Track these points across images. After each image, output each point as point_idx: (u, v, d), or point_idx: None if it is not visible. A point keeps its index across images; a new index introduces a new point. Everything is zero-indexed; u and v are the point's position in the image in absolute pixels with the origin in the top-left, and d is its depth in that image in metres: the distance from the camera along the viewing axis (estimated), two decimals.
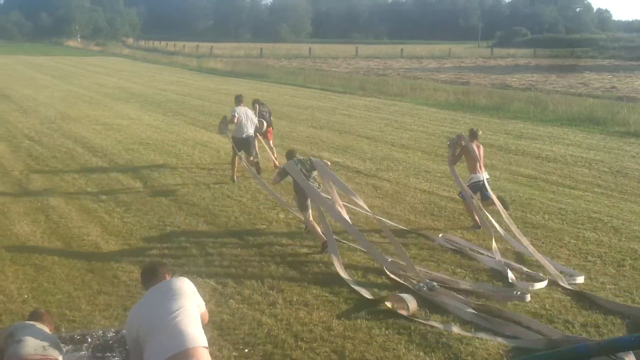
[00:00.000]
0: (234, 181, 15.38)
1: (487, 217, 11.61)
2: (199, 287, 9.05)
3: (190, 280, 9.13)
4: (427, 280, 9.22)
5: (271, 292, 9.13)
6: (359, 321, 8.23)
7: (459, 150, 12.56)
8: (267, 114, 17.41)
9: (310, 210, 11.21)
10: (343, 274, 9.65)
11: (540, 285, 9.35)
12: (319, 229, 10.87)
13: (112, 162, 17.71)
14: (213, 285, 9.31)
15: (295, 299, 8.90)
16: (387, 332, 7.96)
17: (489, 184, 12.40)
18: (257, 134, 16.47)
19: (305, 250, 10.83)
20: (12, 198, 13.85)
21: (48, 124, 24.06)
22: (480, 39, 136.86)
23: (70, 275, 9.60)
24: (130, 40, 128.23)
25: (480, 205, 12.22)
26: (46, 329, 6.13)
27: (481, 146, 12.74)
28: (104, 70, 56.50)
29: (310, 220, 11.14)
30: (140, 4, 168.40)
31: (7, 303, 8.60)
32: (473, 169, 12.43)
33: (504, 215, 11.37)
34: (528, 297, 8.89)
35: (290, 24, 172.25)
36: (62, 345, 6.09)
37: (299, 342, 7.63)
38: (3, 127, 23.17)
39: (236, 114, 15.60)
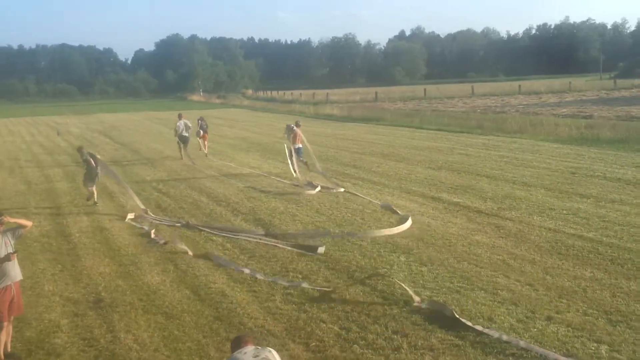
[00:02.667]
0: (181, 158, 29.87)
1: (300, 165, 23.44)
2: (323, 333, 9.19)
3: (314, 326, 9.24)
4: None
5: (395, 336, 9.04)
6: None
7: (292, 134, 24.46)
8: (205, 126, 31.79)
9: (94, 185, 19.74)
10: (136, 199, 19.14)
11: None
12: (95, 194, 19.74)
13: (235, 210, 18.18)
14: (337, 330, 9.32)
15: (420, 344, 8.77)
16: None
17: (301, 151, 24.44)
18: (201, 135, 31.47)
19: (428, 293, 10.67)
20: (142, 248, 14.45)
21: (174, 175, 25.06)
22: (602, 71, 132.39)
23: (198, 323, 9.88)
24: (250, 91, 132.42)
25: (299, 158, 23.92)
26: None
27: (300, 131, 24.71)
28: (226, 121, 58.41)
29: (92, 190, 19.74)
30: (259, 56, 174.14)
31: (140, 352, 8.93)
32: (294, 142, 24.13)
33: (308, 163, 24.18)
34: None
35: (404, 66, 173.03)
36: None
37: None
38: (132, 180, 24.30)
39: (178, 124, 30.22)
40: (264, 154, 31.05)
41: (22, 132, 52.56)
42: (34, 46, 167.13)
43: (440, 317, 9.58)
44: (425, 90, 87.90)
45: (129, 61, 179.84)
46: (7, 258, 8.70)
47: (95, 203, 19.66)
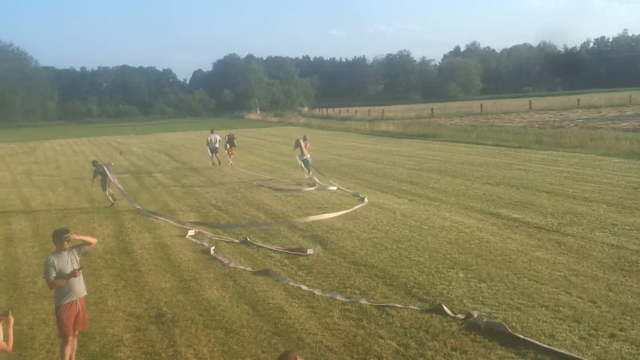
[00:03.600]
0: (212, 164, 36.61)
1: (309, 172, 28.01)
2: (381, 349, 9.19)
3: (372, 342, 9.24)
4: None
5: (454, 353, 8.98)
6: None
7: (298, 145, 28.23)
8: (233, 140, 37.36)
9: (108, 189, 23.65)
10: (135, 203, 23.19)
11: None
12: (109, 196, 23.67)
13: (292, 226, 18.30)
14: (395, 346, 9.31)
15: None
16: None
17: (308, 161, 27.94)
18: (228, 148, 36.97)
19: (487, 309, 10.58)
20: (202, 264, 14.68)
21: (233, 193, 25.36)
22: None
23: (257, 338, 9.99)
24: (306, 109, 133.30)
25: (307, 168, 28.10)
26: None
27: (308, 143, 28.66)
28: (282, 139, 58.81)
29: (109, 193, 23.70)
30: (314, 74, 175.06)
31: None
32: (301, 154, 27.99)
33: (312, 172, 27.86)
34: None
35: (460, 82, 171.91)
36: None
37: None
38: (193, 198, 24.70)
39: (209, 138, 36.73)
40: (320, 171, 31.13)
41: (86, 151, 53.88)
42: (96, 68, 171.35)
43: (500, 334, 9.49)
44: (481, 105, 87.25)
45: (188, 81, 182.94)
46: (73, 274, 8.96)
47: (112, 204, 23.56)
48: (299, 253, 15.10)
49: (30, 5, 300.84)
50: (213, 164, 36.43)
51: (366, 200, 21.67)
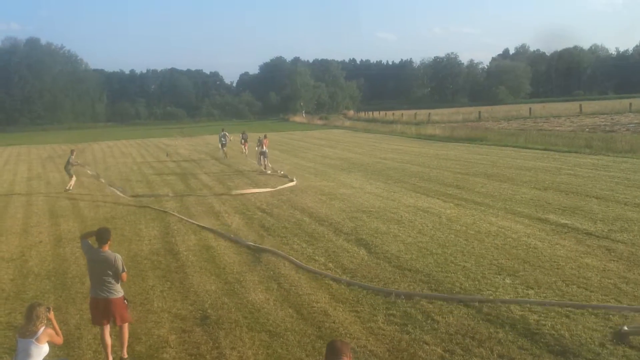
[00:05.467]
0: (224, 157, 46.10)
1: (262, 163, 36.24)
2: (426, 355, 9.09)
3: (417, 347, 9.14)
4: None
5: None
6: None
7: (260, 143, 37.38)
8: (246, 137, 47.18)
9: (72, 176, 29.72)
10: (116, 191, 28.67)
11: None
12: (72, 183, 29.59)
13: (337, 230, 18.25)
14: (440, 353, 9.20)
15: None
16: None
17: (266, 154, 36.24)
18: (243, 143, 47.31)
19: (535, 317, 10.39)
20: (247, 267, 14.71)
21: (278, 196, 25.41)
22: None
23: (302, 341, 9.96)
24: (351, 112, 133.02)
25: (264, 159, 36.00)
26: None
27: (267, 140, 37.85)
28: (327, 142, 58.85)
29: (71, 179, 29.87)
30: (360, 77, 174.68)
31: None
32: (261, 148, 36.38)
33: (265, 161, 36.20)
34: None
35: (508, 85, 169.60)
36: None
37: None
38: (238, 200, 24.81)
39: (220, 134, 47.80)
40: (366, 174, 31.08)
41: (134, 153, 54.66)
42: (144, 71, 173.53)
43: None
44: (530, 109, 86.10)
45: (234, 84, 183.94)
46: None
47: (68, 190, 29.17)
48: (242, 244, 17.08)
49: (81, 8, 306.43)
50: (225, 156, 45.84)
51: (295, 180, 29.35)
